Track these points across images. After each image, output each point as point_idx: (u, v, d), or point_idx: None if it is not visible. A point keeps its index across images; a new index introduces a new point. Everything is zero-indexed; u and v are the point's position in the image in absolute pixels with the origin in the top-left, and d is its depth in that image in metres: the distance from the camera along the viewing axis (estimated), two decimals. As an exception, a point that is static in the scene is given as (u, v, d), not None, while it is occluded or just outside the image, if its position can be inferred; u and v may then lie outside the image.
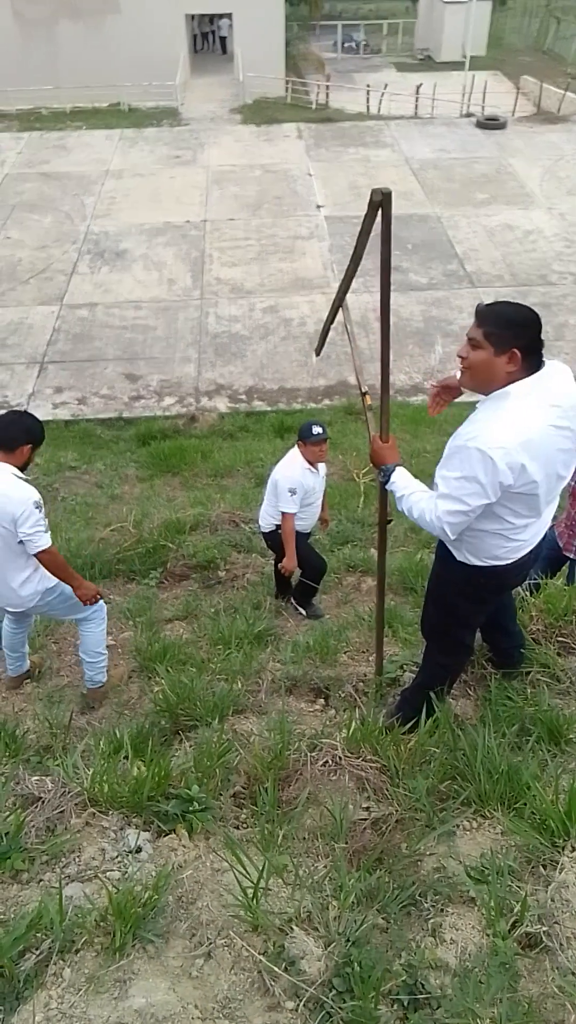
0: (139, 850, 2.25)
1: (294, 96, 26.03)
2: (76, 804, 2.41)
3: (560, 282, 15.89)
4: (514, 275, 16.13)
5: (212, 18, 30.74)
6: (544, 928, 1.96)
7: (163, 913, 2.02)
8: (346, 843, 2.30)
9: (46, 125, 24.24)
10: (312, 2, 34.26)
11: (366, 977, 1.80)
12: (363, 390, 3.09)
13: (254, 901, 1.97)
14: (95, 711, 4.18)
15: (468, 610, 2.84)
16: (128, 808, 2.40)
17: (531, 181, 20.21)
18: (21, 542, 3.57)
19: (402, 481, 2.62)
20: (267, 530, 5.19)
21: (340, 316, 3.22)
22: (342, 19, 33.68)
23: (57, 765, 2.67)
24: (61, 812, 2.37)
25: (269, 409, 12.49)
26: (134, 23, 25.27)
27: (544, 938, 1.95)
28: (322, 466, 5.13)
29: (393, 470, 2.65)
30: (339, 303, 3.14)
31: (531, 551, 2.66)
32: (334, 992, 1.80)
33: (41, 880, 2.16)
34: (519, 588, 3.51)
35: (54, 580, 3.83)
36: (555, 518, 4.16)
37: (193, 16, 28.58)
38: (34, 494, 3.59)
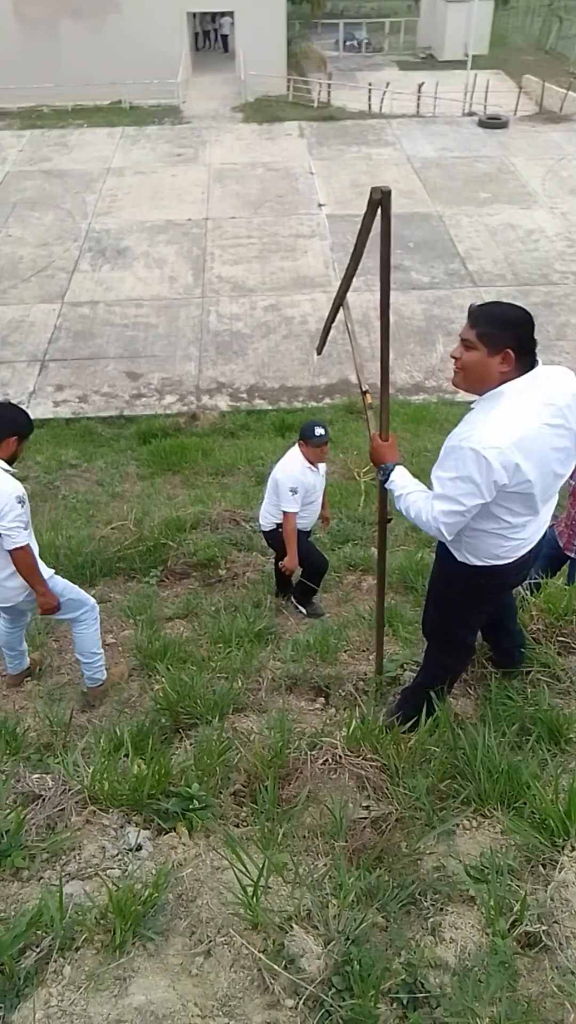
0: (139, 848, 2.25)
1: (296, 94, 26.00)
2: (76, 802, 2.41)
3: (562, 282, 15.88)
4: (516, 274, 16.12)
5: (214, 16, 30.67)
6: (543, 927, 1.96)
7: (163, 911, 2.02)
8: (346, 842, 2.30)
9: (48, 123, 24.22)
10: (314, 0, 34.21)
11: (365, 975, 1.80)
12: (364, 388, 3.09)
13: (254, 899, 1.98)
14: (96, 709, 4.19)
15: (468, 610, 2.84)
16: (128, 806, 2.40)
17: (533, 180, 20.18)
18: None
19: (401, 480, 2.63)
20: (267, 529, 5.19)
21: (341, 315, 3.22)
22: (344, 17, 33.64)
23: (57, 763, 2.67)
24: (61, 810, 2.38)
25: (270, 407, 12.48)
26: (135, 21, 25.23)
27: (543, 937, 1.95)
28: (322, 465, 5.14)
29: (392, 469, 2.65)
30: (340, 302, 3.14)
31: (530, 550, 2.66)
32: (333, 990, 1.80)
33: (41, 878, 2.16)
34: (519, 587, 3.51)
35: (44, 577, 3.82)
36: (555, 517, 4.17)
37: (195, 14, 28.55)
38: (17, 488, 3.58)
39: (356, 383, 3.33)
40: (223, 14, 29.14)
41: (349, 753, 2.69)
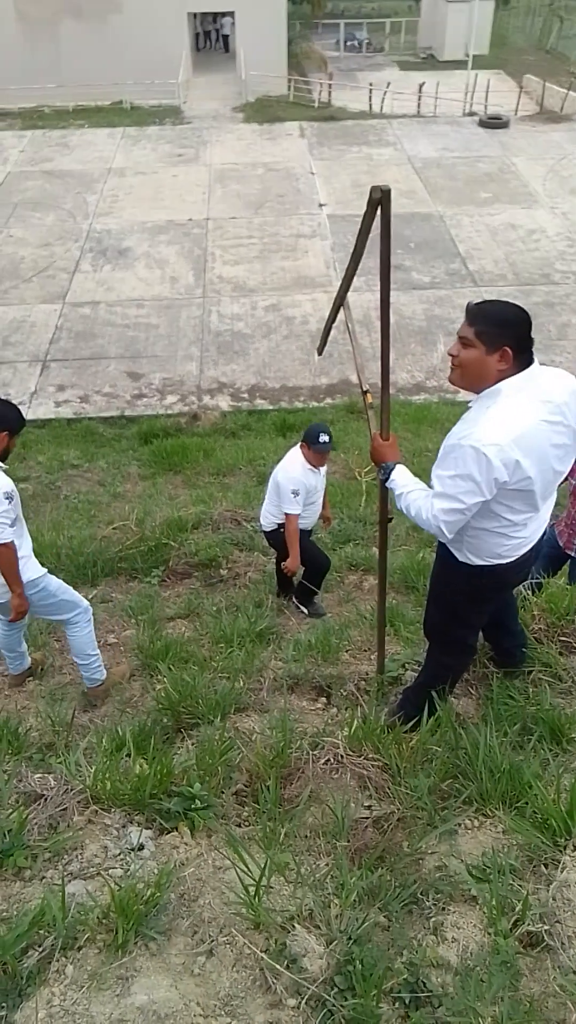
0: (141, 847, 2.25)
1: (296, 94, 26.00)
2: (78, 802, 2.41)
3: (563, 281, 15.87)
4: (517, 274, 16.11)
5: (215, 16, 30.68)
6: (545, 927, 1.96)
7: (165, 911, 2.02)
8: (348, 841, 2.30)
9: (49, 123, 24.23)
10: (315, 0, 34.21)
11: (367, 975, 1.80)
12: (364, 388, 3.10)
13: (256, 899, 1.98)
14: (97, 709, 4.19)
15: (469, 610, 2.84)
16: (130, 806, 2.40)
17: (534, 180, 20.17)
18: None
19: (401, 479, 2.63)
20: (268, 529, 5.19)
21: (342, 315, 3.22)
22: (345, 17, 33.63)
23: (59, 763, 2.67)
24: (63, 809, 2.38)
25: (271, 407, 12.49)
26: (137, 22, 25.25)
27: (545, 937, 1.95)
28: (323, 466, 5.13)
29: (393, 468, 2.66)
30: (340, 302, 3.14)
31: (531, 548, 2.66)
32: (335, 990, 1.80)
33: (44, 877, 2.16)
34: (520, 587, 3.52)
35: (35, 575, 3.81)
36: (555, 517, 4.17)
37: (195, 14, 28.55)
38: (5, 485, 3.57)
39: (357, 383, 3.33)
40: (224, 14, 29.16)
41: (351, 753, 2.69)
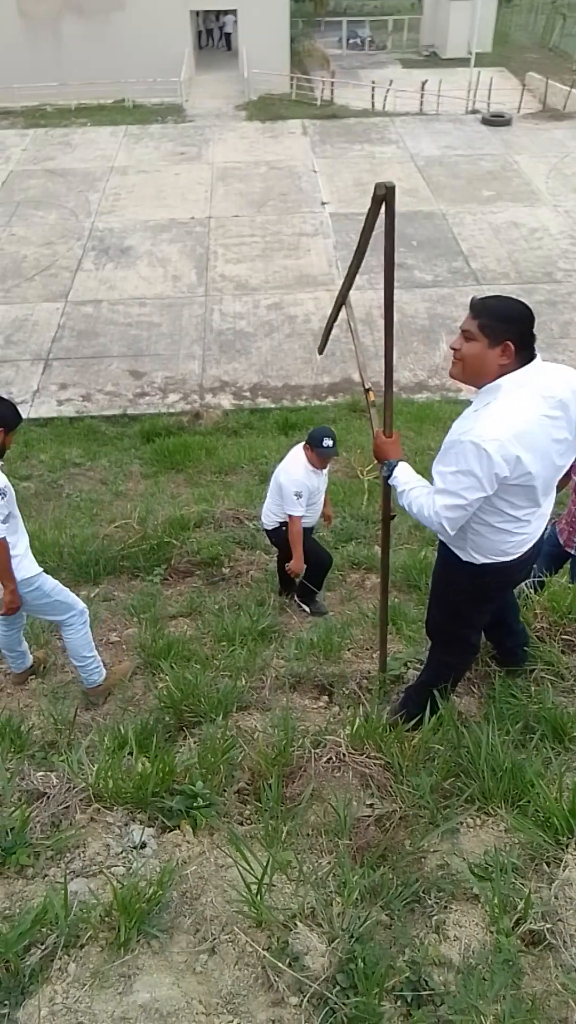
0: (143, 846, 2.26)
1: (299, 93, 25.97)
2: (81, 800, 2.42)
3: (566, 280, 15.84)
4: (519, 272, 16.08)
5: (217, 14, 30.64)
6: (548, 925, 1.96)
7: (167, 909, 2.03)
8: (350, 840, 2.30)
9: (51, 122, 24.23)
10: (317, -2, 34.20)
11: (370, 973, 1.80)
12: (366, 386, 3.10)
13: (258, 897, 1.98)
14: (99, 707, 4.19)
15: (472, 609, 2.84)
16: (132, 804, 2.41)
17: (537, 178, 20.14)
18: None
19: (403, 476, 2.64)
20: (270, 527, 5.19)
21: (344, 313, 3.22)
22: (347, 15, 33.56)
23: (62, 761, 2.68)
24: (66, 808, 2.38)
25: (273, 406, 12.48)
26: (139, 20, 25.21)
27: (548, 935, 1.95)
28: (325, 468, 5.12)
29: (396, 465, 2.67)
30: (342, 300, 3.14)
31: (533, 545, 2.66)
32: (338, 988, 1.80)
33: (46, 875, 2.17)
34: (522, 585, 3.51)
35: (30, 573, 3.79)
36: (557, 515, 4.17)
37: (198, 12, 28.51)
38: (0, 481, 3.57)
39: (359, 381, 3.33)
40: (226, 12, 29.10)
41: (353, 751, 2.69)
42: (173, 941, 1.95)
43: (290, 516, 4.89)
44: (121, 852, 2.23)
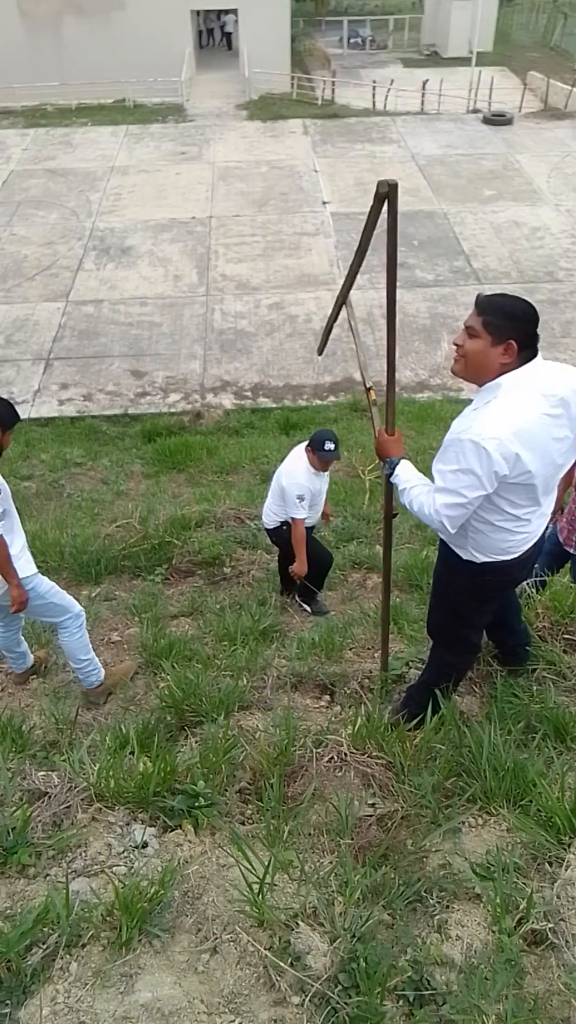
0: (145, 845, 2.26)
1: (300, 92, 25.95)
2: (82, 799, 2.42)
3: (567, 279, 15.83)
4: (521, 272, 16.07)
5: (218, 13, 30.62)
6: (550, 925, 1.96)
7: (169, 908, 2.03)
8: (351, 839, 2.30)
9: (52, 122, 24.23)
10: (318, -3, 34.20)
11: (372, 973, 1.80)
12: (368, 385, 3.09)
13: (260, 896, 1.98)
14: (99, 707, 4.19)
15: (473, 609, 2.84)
16: (134, 803, 2.41)
17: (538, 177, 20.12)
18: None
19: (405, 474, 2.64)
20: (271, 526, 5.18)
21: (344, 313, 3.21)
22: (348, 15, 33.55)
23: (63, 760, 2.67)
24: (67, 807, 2.38)
25: (275, 406, 12.48)
26: (139, 19, 25.21)
27: (550, 935, 1.95)
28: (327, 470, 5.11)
29: (398, 463, 2.67)
30: (343, 299, 3.13)
31: (534, 544, 2.66)
32: (339, 987, 1.80)
33: (48, 875, 2.17)
34: (524, 585, 3.51)
35: (25, 573, 3.77)
36: (560, 511, 4.16)
37: (198, 12, 28.51)
38: None
39: (360, 381, 3.33)
40: (227, 11, 29.09)
41: (355, 751, 2.69)
42: (175, 941, 1.95)
43: (293, 519, 4.87)
44: (123, 852, 2.23)
